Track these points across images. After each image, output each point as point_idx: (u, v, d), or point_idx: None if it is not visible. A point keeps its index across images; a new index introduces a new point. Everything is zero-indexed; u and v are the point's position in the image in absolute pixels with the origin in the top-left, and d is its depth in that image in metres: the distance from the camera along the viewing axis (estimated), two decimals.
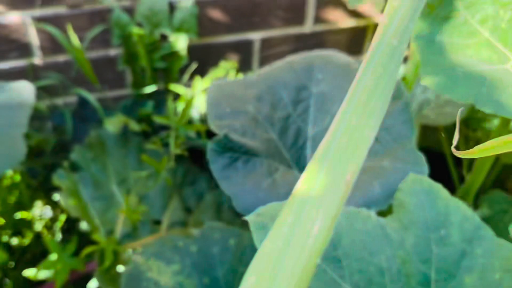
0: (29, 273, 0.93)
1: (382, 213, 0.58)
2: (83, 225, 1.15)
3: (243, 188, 0.65)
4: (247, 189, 0.65)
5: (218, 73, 1.17)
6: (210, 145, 0.66)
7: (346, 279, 0.51)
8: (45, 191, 1.20)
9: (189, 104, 0.97)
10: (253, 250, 0.70)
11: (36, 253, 1.21)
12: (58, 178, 0.93)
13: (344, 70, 0.78)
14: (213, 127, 0.69)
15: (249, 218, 0.51)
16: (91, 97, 1.12)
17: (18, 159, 0.79)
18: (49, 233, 1.25)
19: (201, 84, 1.13)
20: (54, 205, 1.22)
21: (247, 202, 0.64)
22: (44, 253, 1.23)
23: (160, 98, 1.27)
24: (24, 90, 0.88)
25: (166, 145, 1.19)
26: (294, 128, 0.75)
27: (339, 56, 0.80)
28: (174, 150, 0.91)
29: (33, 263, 1.21)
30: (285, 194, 0.65)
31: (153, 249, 0.75)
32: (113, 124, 0.99)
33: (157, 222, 1.09)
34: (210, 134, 1.23)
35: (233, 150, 0.66)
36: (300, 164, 0.74)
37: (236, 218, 1.31)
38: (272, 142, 0.72)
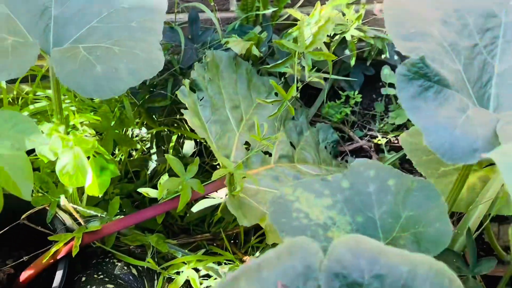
0: (145, 190, 0.87)
1: None
2: (186, 148, 1.08)
3: (436, 122, 0.54)
4: (441, 123, 0.54)
5: (338, 1, 1.03)
6: (400, 69, 0.55)
7: None
8: (145, 110, 1.12)
9: (321, 29, 0.85)
10: (424, 196, 0.60)
11: (128, 170, 1.15)
12: (182, 96, 0.84)
13: None
14: (399, 48, 0.58)
15: (495, 156, 0.41)
16: (211, 15, 1.00)
17: (157, 68, 0.70)
18: (146, 151, 1.18)
19: (322, 11, 1.00)
20: (154, 124, 1.15)
21: (441, 138, 0.54)
22: (136, 172, 1.17)
23: (267, 24, 1.15)
24: None
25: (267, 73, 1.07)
26: (479, 60, 0.63)
27: None
28: (308, 78, 0.80)
29: (127, 180, 1.16)
30: (483, 135, 0.54)
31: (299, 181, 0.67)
32: (237, 46, 0.88)
33: (265, 153, 1.00)
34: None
35: (426, 77, 0.55)
36: (483, 103, 0.63)
37: (333, 159, 1.22)
38: (459, 74, 0.61)
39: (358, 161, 0.67)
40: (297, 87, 0.83)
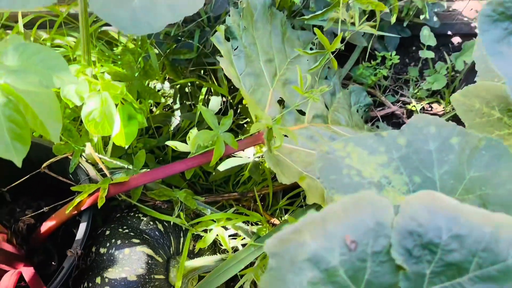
0: (173, 143, 0.82)
1: None
2: (213, 104, 1.02)
3: None
4: None
5: None
6: (485, 10, 0.48)
7: None
8: (170, 62, 1.05)
9: None
10: (493, 156, 0.54)
11: (149, 126, 1.09)
12: (217, 43, 0.77)
13: None
14: None
15: None
16: None
17: (197, 5, 0.63)
18: (169, 107, 1.12)
19: None
20: (178, 78, 1.08)
21: None
22: (157, 128, 1.12)
23: None
24: None
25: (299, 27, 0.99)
26: None
27: None
28: (357, 28, 0.73)
29: (149, 136, 1.10)
30: None
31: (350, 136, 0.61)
32: None
33: (299, 112, 0.94)
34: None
35: None
36: None
37: (364, 125, 1.16)
38: None
39: (416, 116, 0.61)
40: (344, 37, 0.76)
